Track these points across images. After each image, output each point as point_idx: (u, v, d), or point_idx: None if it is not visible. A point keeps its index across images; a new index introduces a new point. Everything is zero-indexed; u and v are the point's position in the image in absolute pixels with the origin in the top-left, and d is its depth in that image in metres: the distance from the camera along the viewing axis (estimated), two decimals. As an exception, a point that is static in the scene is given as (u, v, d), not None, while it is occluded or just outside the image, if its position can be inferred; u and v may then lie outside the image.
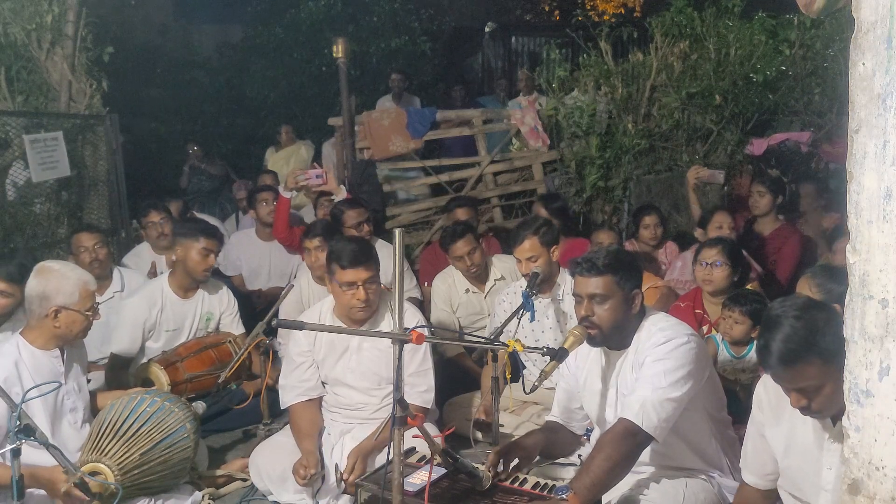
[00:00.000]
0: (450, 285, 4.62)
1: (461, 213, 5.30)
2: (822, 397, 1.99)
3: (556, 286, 3.82)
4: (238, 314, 4.40)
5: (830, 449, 2.15)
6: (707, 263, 3.95)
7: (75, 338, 3.13)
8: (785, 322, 1.99)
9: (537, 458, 2.87)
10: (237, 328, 4.38)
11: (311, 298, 4.44)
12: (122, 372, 4.03)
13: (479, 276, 4.53)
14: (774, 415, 2.32)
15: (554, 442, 2.96)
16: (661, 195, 6.45)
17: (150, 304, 4.09)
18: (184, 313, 4.19)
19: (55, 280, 3.04)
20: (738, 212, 5.91)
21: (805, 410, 2.06)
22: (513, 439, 2.99)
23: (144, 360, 4.06)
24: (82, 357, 3.33)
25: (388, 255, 4.62)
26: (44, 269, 3.10)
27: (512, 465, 2.69)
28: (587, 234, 5.48)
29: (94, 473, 2.78)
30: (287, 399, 3.41)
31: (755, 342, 2.12)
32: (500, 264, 4.63)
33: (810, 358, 1.96)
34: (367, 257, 3.28)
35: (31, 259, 3.62)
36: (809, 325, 1.97)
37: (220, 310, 4.34)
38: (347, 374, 3.38)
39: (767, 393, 2.34)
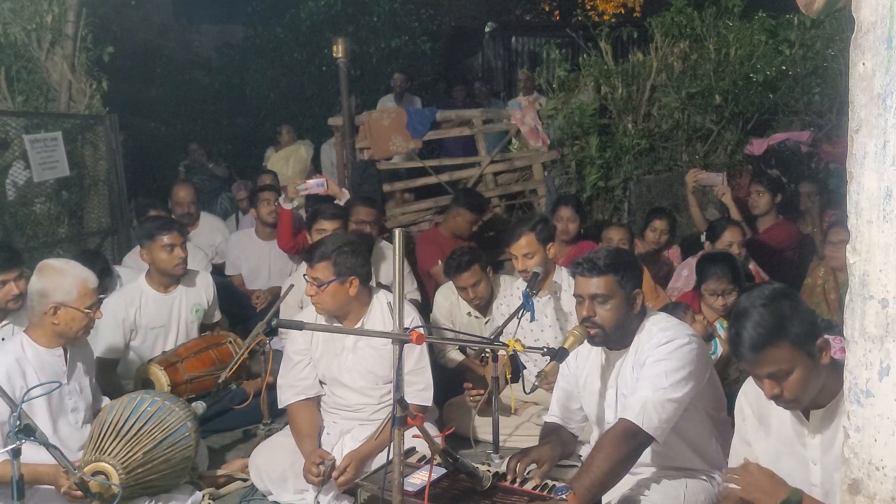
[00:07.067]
0: (452, 303, 4.49)
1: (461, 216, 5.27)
2: (792, 383, 2.07)
3: (552, 283, 3.81)
4: (216, 301, 4.41)
5: (811, 444, 2.21)
6: (717, 294, 3.90)
7: (76, 335, 3.13)
8: (753, 311, 2.09)
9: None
10: (217, 315, 4.42)
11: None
12: (112, 374, 4.01)
13: (482, 306, 4.37)
14: (760, 422, 2.35)
15: (562, 445, 2.94)
16: (661, 195, 6.44)
17: (126, 304, 4.05)
18: (168, 309, 4.17)
19: (53, 277, 3.06)
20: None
21: (779, 400, 2.12)
22: (526, 447, 2.95)
23: (134, 359, 4.05)
24: (87, 357, 3.33)
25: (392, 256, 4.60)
26: (44, 266, 3.12)
27: (528, 470, 2.69)
28: (588, 237, 5.45)
29: (97, 473, 2.77)
30: (285, 398, 3.39)
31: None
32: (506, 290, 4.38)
33: (779, 342, 2.05)
34: (319, 257, 3.25)
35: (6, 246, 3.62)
36: (777, 312, 2.07)
37: (207, 298, 4.33)
38: (344, 373, 3.36)
39: (749, 402, 2.37)
